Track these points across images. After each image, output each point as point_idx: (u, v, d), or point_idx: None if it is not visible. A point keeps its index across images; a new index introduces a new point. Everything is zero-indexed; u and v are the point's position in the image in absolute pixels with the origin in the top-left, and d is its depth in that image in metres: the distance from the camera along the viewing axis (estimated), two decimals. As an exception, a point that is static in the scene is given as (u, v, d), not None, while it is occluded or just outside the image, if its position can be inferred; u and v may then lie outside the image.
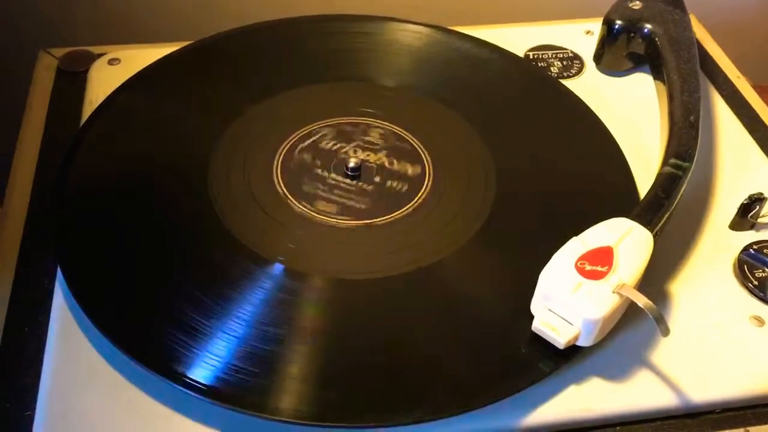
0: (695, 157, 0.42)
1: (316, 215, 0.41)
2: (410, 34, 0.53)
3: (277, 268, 0.39)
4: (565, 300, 0.34)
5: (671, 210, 0.39)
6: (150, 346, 0.35)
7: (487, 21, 0.59)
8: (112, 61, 0.52)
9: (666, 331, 0.33)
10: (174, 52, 0.51)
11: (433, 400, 0.35)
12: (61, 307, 0.38)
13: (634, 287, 0.35)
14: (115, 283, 0.38)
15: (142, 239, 0.40)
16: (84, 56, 0.53)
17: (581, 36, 0.57)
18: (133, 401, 0.35)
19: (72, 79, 0.52)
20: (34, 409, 0.35)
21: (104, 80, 0.51)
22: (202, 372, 0.34)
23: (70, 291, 0.37)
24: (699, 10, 0.61)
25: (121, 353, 0.35)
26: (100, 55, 0.53)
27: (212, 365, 0.35)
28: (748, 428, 0.36)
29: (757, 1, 0.79)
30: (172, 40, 0.54)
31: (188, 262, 0.39)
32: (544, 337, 0.35)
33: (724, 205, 0.45)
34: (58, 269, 0.39)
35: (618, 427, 0.36)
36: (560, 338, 0.34)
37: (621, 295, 0.34)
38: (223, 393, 0.34)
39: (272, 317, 0.37)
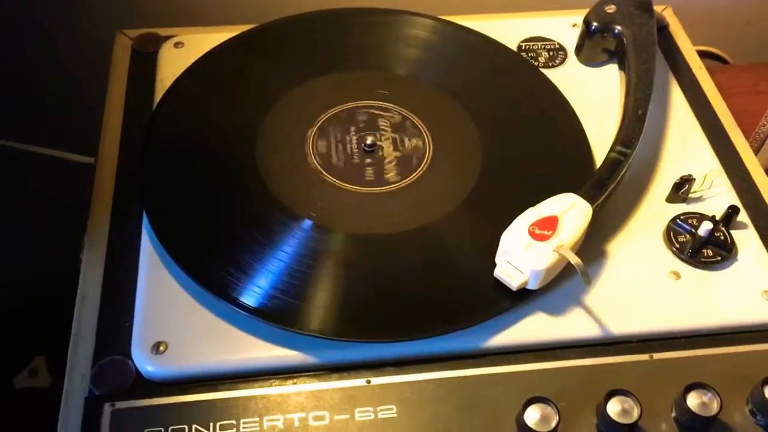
0: (638, 145, 0.53)
1: (339, 182, 0.53)
2: (420, 26, 0.64)
3: (307, 223, 0.51)
4: (519, 255, 0.46)
5: (611, 188, 0.51)
6: (214, 277, 0.48)
7: (488, 10, 0.69)
8: (178, 45, 0.64)
9: (588, 282, 0.45)
10: (229, 39, 0.62)
11: (422, 324, 0.47)
12: (147, 244, 0.51)
13: (572, 248, 0.47)
14: (188, 227, 0.51)
15: (206, 194, 0.53)
16: (154, 39, 0.65)
17: (568, 28, 0.67)
18: (202, 317, 0.47)
19: (145, 58, 0.64)
20: (132, 320, 0.48)
21: (171, 61, 0.62)
22: (249, 297, 0.47)
23: (154, 233, 0.50)
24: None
25: (193, 281, 0.48)
26: (167, 38, 0.65)
27: (257, 293, 0.47)
28: (652, 354, 0.48)
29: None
30: (229, 23, 0.65)
31: (240, 215, 0.52)
32: (503, 281, 0.47)
33: (664, 181, 0.56)
34: (144, 215, 0.52)
35: (559, 350, 0.48)
36: (513, 282, 0.47)
37: (559, 254, 0.46)
38: (265, 313, 0.47)
39: (302, 260, 0.49)
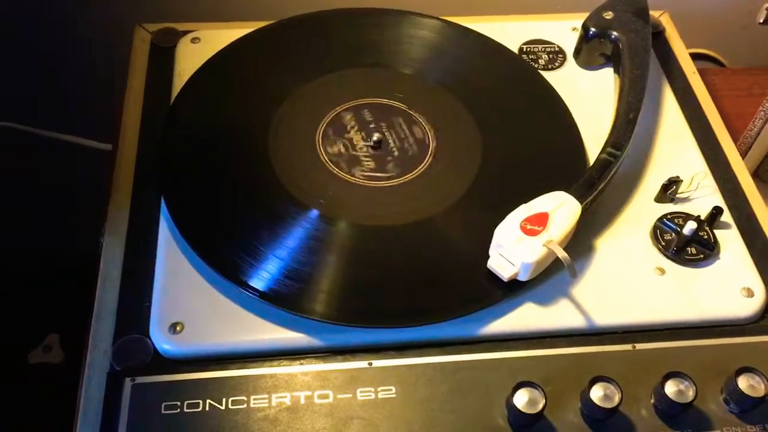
0: (628, 147, 0.56)
1: (346, 175, 0.57)
2: (427, 28, 0.67)
3: (314, 213, 0.54)
4: (510, 248, 0.49)
5: (600, 188, 0.54)
6: (226, 262, 0.51)
7: (491, 12, 0.72)
8: (194, 40, 0.67)
9: (573, 275, 0.49)
10: (244, 35, 0.65)
11: (421, 312, 0.50)
12: (165, 230, 0.54)
13: (561, 243, 0.50)
14: (204, 215, 0.54)
15: (220, 185, 0.56)
16: (172, 33, 0.68)
17: (568, 32, 0.70)
18: (216, 300, 0.51)
19: (163, 52, 0.67)
20: (150, 301, 0.51)
21: (188, 56, 0.65)
22: (259, 282, 0.50)
23: (172, 219, 0.53)
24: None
25: (208, 266, 0.51)
26: (185, 33, 0.68)
27: (266, 278, 0.51)
28: (635, 344, 0.51)
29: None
30: (244, 19, 0.68)
31: (252, 204, 0.55)
32: (495, 273, 0.51)
33: (654, 181, 0.59)
34: (162, 202, 0.55)
35: (547, 339, 0.51)
36: (505, 274, 0.50)
37: (548, 248, 0.49)
38: (274, 297, 0.50)
39: (308, 248, 0.52)
